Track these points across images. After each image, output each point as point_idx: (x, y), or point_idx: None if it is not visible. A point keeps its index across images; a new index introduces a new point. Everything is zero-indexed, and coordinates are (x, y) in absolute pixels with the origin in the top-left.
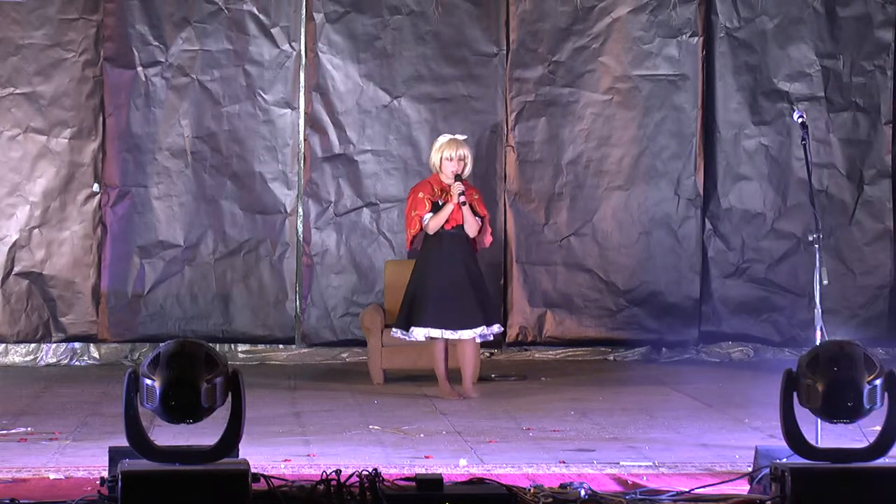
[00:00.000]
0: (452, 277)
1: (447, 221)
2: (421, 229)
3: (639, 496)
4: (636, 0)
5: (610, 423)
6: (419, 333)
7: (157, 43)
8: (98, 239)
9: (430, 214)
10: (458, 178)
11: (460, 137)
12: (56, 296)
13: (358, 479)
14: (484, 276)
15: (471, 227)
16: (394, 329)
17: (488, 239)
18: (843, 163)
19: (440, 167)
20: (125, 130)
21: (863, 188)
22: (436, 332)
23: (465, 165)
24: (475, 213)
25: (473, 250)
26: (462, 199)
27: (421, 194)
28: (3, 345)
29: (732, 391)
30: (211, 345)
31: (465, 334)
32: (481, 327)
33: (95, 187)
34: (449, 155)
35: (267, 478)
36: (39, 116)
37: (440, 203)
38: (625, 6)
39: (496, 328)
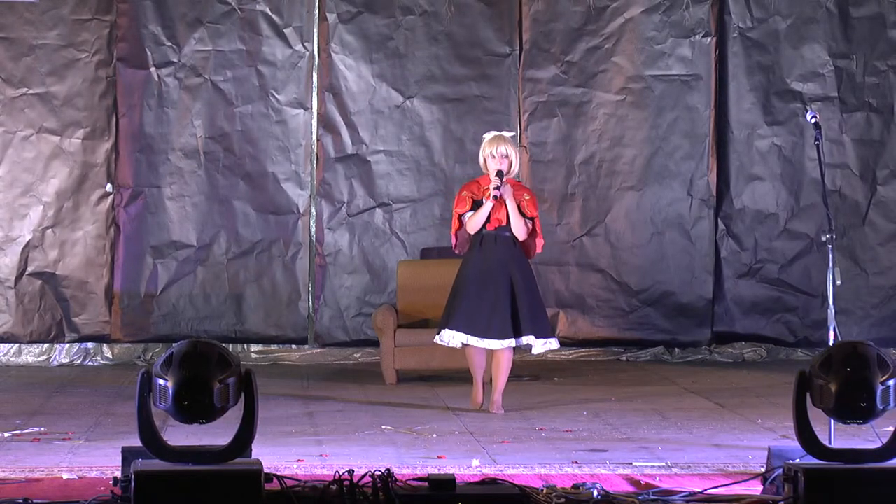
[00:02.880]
0: (488, 282)
1: (489, 221)
2: (461, 227)
3: (651, 497)
4: (649, 0)
5: (622, 423)
6: (448, 337)
7: (170, 43)
8: (111, 239)
9: (471, 213)
10: (500, 174)
11: (507, 134)
12: (69, 296)
13: (370, 479)
14: (534, 284)
15: (517, 228)
16: (435, 337)
17: (539, 242)
18: (856, 163)
19: (486, 165)
20: (138, 131)
21: (876, 188)
22: (462, 338)
23: (510, 163)
24: (523, 216)
25: (522, 255)
26: (495, 192)
27: (464, 192)
28: (17, 345)
29: (745, 392)
30: (224, 345)
31: (493, 344)
32: (510, 339)
33: (108, 187)
34: (491, 152)
35: (280, 478)
36: (53, 117)
37: (483, 201)
38: (637, 6)
39: (541, 342)
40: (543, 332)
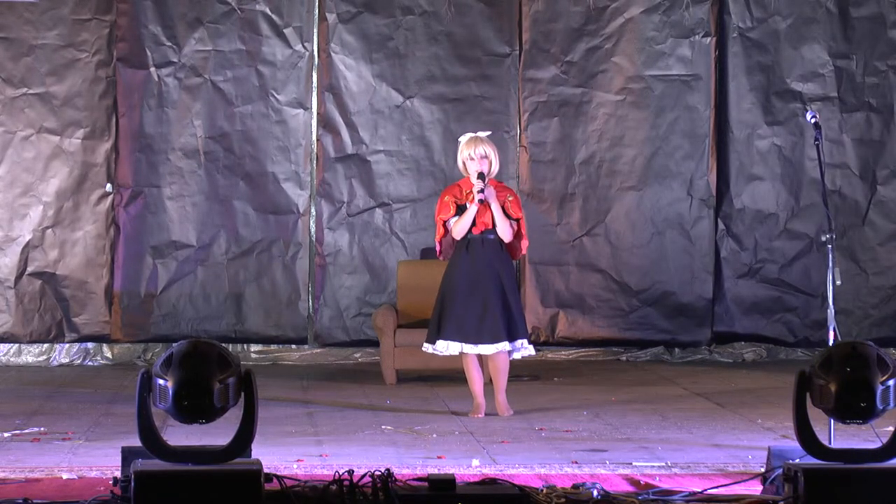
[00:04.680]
0: (477, 287)
1: (474, 225)
2: (446, 233)
3: (651, 496)
4: (649, 0)
5: (622, 423)
6: (442, 346)
7: (169, 43)
8: (111, 239)
9: (455, 218)
10: (481, 176)
11: (482, 134)
12: (69, 296)
13: (370, 479)
14: (517, 288)
15: (503, 229)
16: (424, 344)
17: (524, 244)
18: (856, 163)
19: (465, 168)
20: (138, 131)
21: (876, 188)
22: (455, 346)
23: (490, 163)
24: (508, 217)
25: (508, 258)
26: (480, 196)
27: (447, 197)
28: (17, 345)
29: (745, 392)
30: (224, 345)
31: (486, 349)
32: (503, 343)
33: (108, 187)
34: (469, 154)
35: (279, 478)
36: (52, 117)
37: (466, 205)
38: (637, 6)
39: (524, 346)
40: (525, 336)
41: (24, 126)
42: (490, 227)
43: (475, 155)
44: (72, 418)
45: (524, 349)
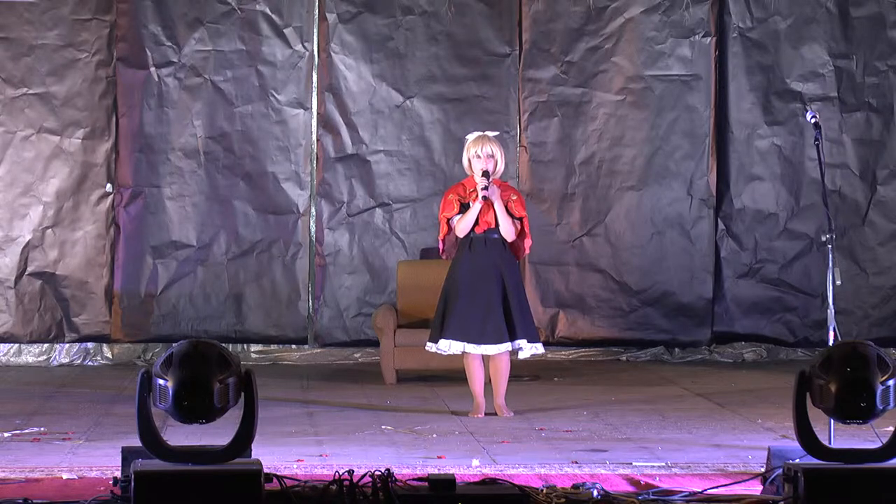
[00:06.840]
0: (480, 286)
1: (477, 224)
2: (449, 231)
3: (651, 496)
4: (649, 0)
5: (622, 423)
6: (444, 345)
7: (169, 43)
8: (111, 239)
9: (459, 216)
10: (486, 174)
11: (490, 134)
12: (69, 296)
13: (370, 479)
14: (522, 287)
15: (506, 228)
16: (427, 343)
17: (528, 243)
18: (855, 163)
19: (471, 166)
20: (138, 131)
21: (876, 188)
22: (458, 345)
23: (495, 163)
24: (511, 216)
25: (512, 258)
26: (483, 192)
27: (451, 195)
28: (17, 345)
29: (745, 392)
30: (224, 345)
31: (489, 349)
32: (506, 343)
33: (108, 187)
34: (475, 152)
35: (279, 478)
36: (53, 117)
37: (469, 204)
38: (637, 6)
39: (530, 346)
40: (533, 335)
41: (24, 126)
42: (493, 226)
43: (482, 153)
44: (72, 418)
45: (531, 349)
